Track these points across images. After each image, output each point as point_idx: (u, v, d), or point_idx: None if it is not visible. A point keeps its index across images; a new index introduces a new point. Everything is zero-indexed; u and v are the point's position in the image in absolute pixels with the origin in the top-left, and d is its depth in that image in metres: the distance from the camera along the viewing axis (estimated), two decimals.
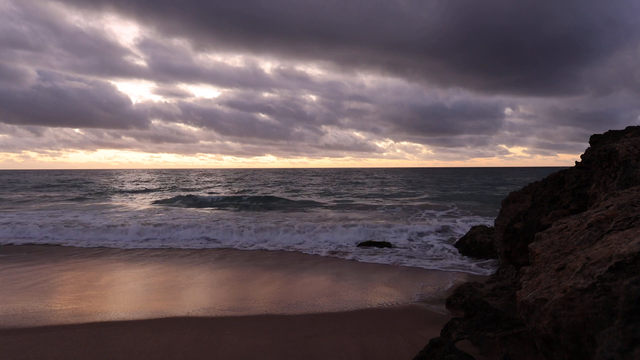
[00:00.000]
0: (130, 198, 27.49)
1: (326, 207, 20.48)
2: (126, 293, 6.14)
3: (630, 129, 5.01)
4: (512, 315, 3.57)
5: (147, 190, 34.90)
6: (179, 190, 34.86)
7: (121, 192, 33.44)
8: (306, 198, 25.90)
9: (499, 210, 6.89)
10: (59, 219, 14.60)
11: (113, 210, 19.17)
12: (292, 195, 27.81)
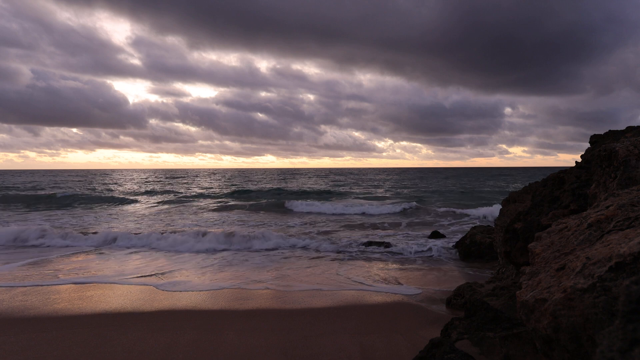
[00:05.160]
0: None
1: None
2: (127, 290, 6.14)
3: (630, 128, 5.01)
4: (512, 315, 3.57)
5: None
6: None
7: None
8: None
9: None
10: None
11: None
12: None
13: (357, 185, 42.28)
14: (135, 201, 25.32)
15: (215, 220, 15.66)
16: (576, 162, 4.90)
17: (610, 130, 5.35)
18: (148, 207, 21.53)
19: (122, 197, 26.76)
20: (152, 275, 7.20)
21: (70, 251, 9.50)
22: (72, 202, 23.99)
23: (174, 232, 11.29)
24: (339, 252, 9.44)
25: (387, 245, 9.90)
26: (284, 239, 10.50)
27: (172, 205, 22.41)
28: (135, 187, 39.63)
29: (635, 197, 2.05)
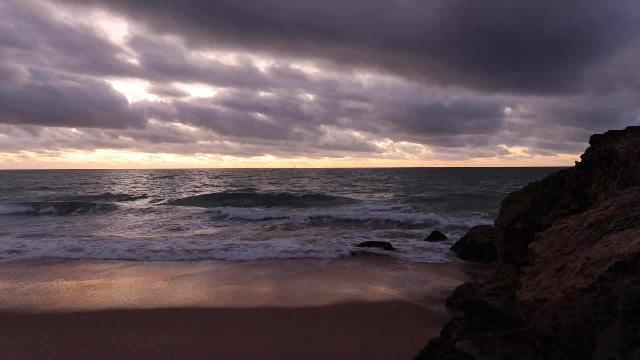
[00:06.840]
0: None
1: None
2: (127, 291, 6.14)
3: (630, 128, 5.01)
4: (512, 315, 3.58)
5: None
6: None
7: None
8: None
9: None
10: None
11: None
12: None
13: (352, 187, 42.30)
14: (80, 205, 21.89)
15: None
16: (576, 162, 4.90)
17: (610, 130, 5.35)
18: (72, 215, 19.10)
19: (72, 202, 22.82)
20: None
21: None
22: None
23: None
24: (337, 251, 9.44)
25: (387, 245, 9.90)
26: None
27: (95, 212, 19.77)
28: (99, 191, 36.76)
29: (635, 197, 2.05)
